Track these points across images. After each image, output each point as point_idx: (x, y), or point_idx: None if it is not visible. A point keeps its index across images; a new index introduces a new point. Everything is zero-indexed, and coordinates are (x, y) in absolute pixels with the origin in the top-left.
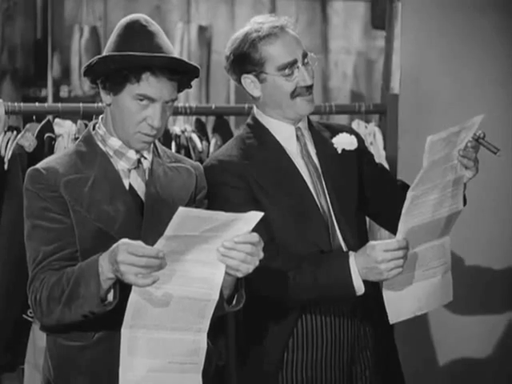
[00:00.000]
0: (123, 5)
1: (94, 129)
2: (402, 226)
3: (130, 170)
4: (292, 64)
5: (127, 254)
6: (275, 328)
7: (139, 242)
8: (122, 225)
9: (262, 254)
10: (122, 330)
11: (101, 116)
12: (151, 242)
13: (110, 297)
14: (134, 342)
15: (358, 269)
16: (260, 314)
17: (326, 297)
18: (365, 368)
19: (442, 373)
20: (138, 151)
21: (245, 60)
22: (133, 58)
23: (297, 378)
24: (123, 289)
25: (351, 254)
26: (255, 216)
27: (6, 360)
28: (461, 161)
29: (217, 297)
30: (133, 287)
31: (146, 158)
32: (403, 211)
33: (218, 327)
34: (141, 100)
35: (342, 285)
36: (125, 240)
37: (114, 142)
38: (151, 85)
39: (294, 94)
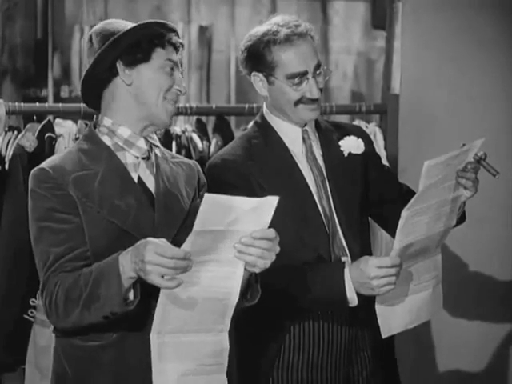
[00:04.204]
0: (123, 5)
1: (94, 127)
2: (396, 244)
3: (139, 163)
4: (302, 75)
5: (156, 254)
6: (273, 328)
7: (166, 242)
8: (135, 219)
9: (278, 249)
10: (151, 336)
11: (99, 115)
12: (164, 235)
13: (131, 296)
14: (162, 348)
15: (352, 281)
16: (258, 314)
17: (319, 306)
18: (362, 369)
19: (442, 373)
20: (147, 140)
21: (257, 59)
22: (157, 25)
23: (292, 379)
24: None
25: (347, 265)
26: (273, 200)
27: (7, 360)
28: (459, 181)
29: (237, 295)
30: (161, 291)
31: (156, 146)
32: (398, 230)
33: None
34: (169, 68)
35: (336, 296)
36: (151, 239)
37: (124, 132)
38: (173, 50)
39: (297, 103)
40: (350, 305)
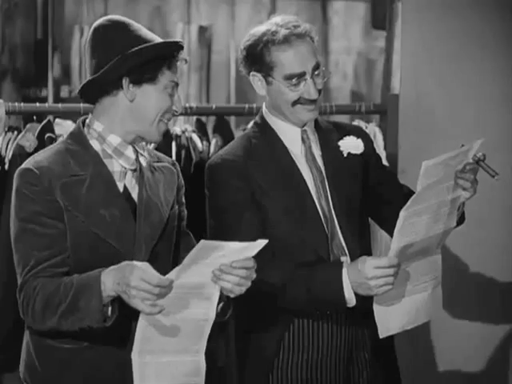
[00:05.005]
0: (123, 5)
1: (83, 126)
2: (394, 244)
3: (125, 172)
4: (300, 76)
5: (142, 281)
6: (271, 326)
7: (150, 268)
8: (118, 230)
9: (254, 276)
10: (132, 356)
11: (90, 114)
12: (144, 247)
13: (109, 312)
14: (144, 368)
15: (350, 281)
16: (257, 313)
17: (317, 306)
18: (362, 370)
19: (442, 373)
20: (135, 149)
21: (256, 59)
22: (169, 45)
23: (291, 379)
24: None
25: (345, 265)
26: (261, 243)
27: (6, 360)
28: (458, 182)
29: (213, 316)
30: (141, 314)
31: (142, 155)
32: (395, 230)
33: (218, 328)
34: (171, 88)
35: (334, 296)
36: (136, 263)
37: (114, 139)
38: (176, 71)
39: (295, 103)
40: (348, 305)
